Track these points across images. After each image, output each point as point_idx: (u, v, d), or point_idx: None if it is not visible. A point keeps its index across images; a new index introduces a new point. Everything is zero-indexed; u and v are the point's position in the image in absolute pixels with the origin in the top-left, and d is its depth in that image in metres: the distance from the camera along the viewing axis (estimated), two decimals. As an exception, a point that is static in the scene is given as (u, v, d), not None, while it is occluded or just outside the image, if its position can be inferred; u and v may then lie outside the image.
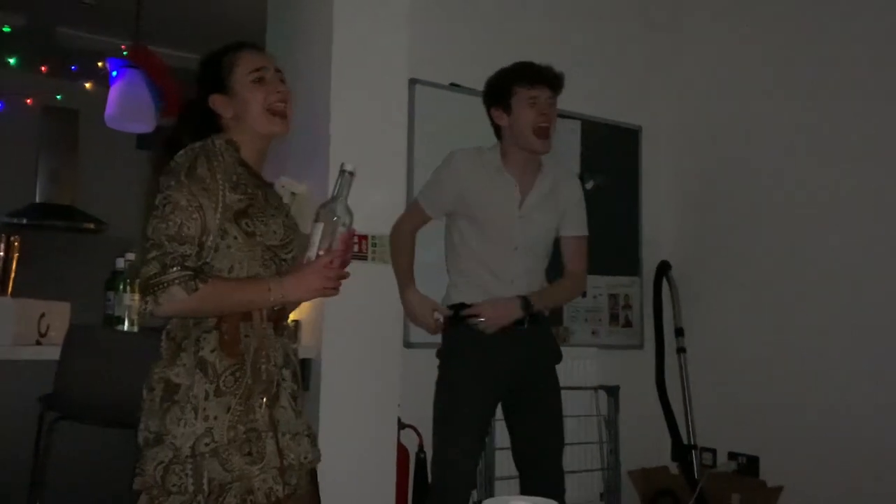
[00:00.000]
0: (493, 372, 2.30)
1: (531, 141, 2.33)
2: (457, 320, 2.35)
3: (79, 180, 5.77)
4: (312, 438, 1.65)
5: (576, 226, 2.48)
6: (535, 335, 2.39)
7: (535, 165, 2.43)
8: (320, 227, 1.55)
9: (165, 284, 1.43)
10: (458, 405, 2.30)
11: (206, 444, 1.45)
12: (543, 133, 2.32)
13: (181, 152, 1.53)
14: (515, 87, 2.34)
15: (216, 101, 1.62)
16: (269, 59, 1.68)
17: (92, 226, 5.67)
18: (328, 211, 1.55)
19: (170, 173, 1.52)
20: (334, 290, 1.57)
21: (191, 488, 1.45)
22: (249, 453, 1.48)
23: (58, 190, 5.70)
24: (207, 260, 1.50)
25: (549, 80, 2.37)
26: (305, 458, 1.59)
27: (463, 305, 2.35)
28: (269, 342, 1.56)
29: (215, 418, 1.46)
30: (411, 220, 2.51)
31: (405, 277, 2.44)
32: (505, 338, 2.31)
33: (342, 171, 1.57)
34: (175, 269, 1.44)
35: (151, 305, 1.44)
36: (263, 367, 1.53)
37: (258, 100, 1.60)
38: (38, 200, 5.63)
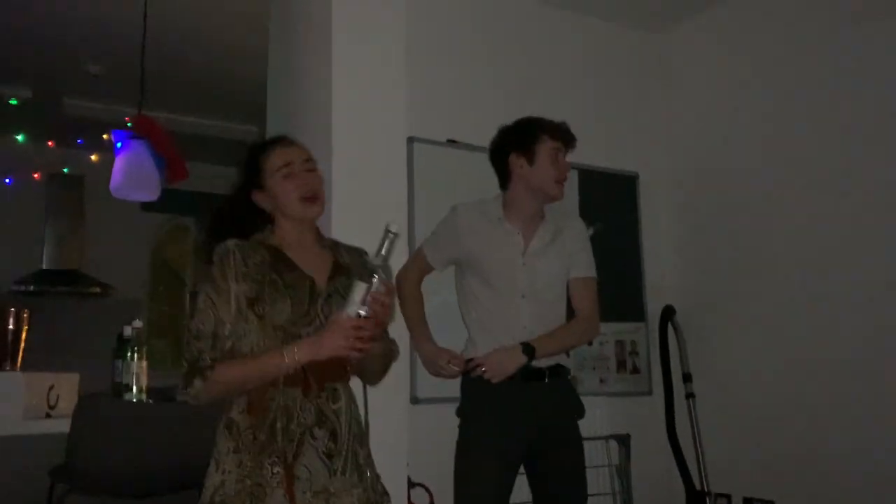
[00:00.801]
0: (513, 430, 2.29)
1: (551, 188, 2.42)
2: (469, 375, 2.36)
3: (84, 245, 5.85)
4: (360, 500, 1.69)
5: (581, 267, 2.51)
6: (557, 389, 2.39)
7: (539, 214, 2.48)
8: (361, 286, 1.63)
9: (189, 377, 1.65)
10: (479, 466, 2.29)
11: (220, 496, 1.60)
12: (562, 183, 2.44)
13: (215, 252, 1.73)
14: (543, 135, 2.43)
15: (258, 197, 1.83)
16: (297, 152, 1.85)
17: (98, 290, 5.72)
18: (369, 270, 1.64)
19: (209, 273, 1.74)
20: (360, 350, 1.66)
21: None
22: None
23: (64, 255, 5.78)
24: (228, 346, 1.68)
25: (569, 137, 2.49)
26: None
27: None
28: (297, 403, 1.67)
29: (229, 472, 1.61)
30: (416, 269, 2.55)
31: (419, 328, 2.46)
32: (525, 393, 2.30)
33: (387, 232, 1.65)
34: (197, 363, 1.65)
35: (191, 397, 1.65)
36: (282, 426, 1.63)
37: (289, 192, 1.78)
38: (44, 267, 5.70)
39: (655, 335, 3.55)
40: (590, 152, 3.59)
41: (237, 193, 1.86)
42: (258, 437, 1.62)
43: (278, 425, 1.63)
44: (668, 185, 3.83)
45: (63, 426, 2.16)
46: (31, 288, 5.49)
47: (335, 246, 1.89)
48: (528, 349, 2.31)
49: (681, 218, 3.79)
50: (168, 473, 2.17)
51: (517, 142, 2.46)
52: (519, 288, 2.39)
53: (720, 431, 3.34)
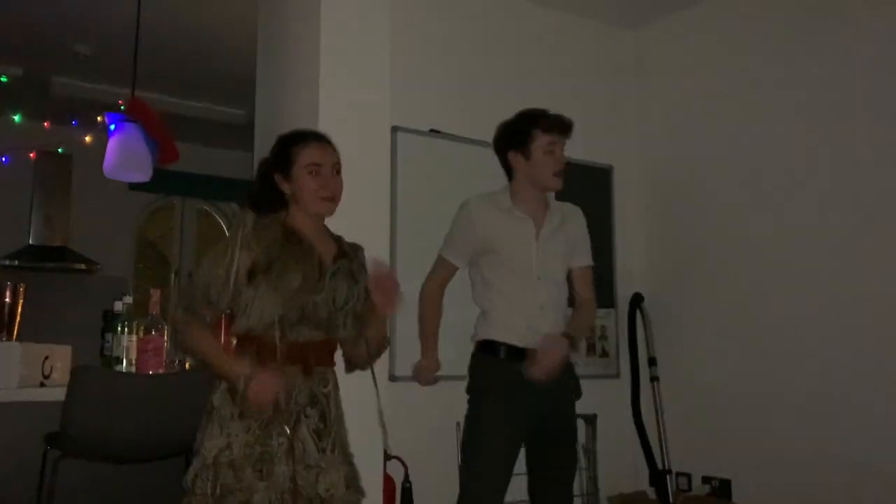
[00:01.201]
0: (522, 408, 2.40)
1: (549, 182, 2.53)
2: (487, 356, 2.49)
3: (71, 222, 5.90)
4: (347, 477, 1.84)
5: (585, 257, 2.66)
6: (562, 370, 2.50)
7: (544, 203, 2.60)
8: None
9: (176, 310, 1.89)
10: (490, 442, 2.39)
11: (226, 455, 1.72)
12: (560, 174, 2.54)
13: (233, 221, 1.88)
14: (535, 131, 2.51)
15: (277, 180, 1.97)
16: (329, 155, 1.98)
17: (83, 266, 5.78)
18: None
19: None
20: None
21: (209, 492, 1.70)
22: (260, 470, 1.72)
23: (51, 232, 5.83)
24: (218, 302, 1.86)
25: (563, 127, 2.56)
26: (327, 491, 1.79)
27: (491, 343, 2.49)
28: (294, 382, 1.82)
29: (236, 436, 1.74)
30: (440, 276, 2.64)
31: (429, 343, 2.63)
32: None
33: None
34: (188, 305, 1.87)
35: (171, 318, 1.93)
36: (284, 402, 1.79)
37: (311, 188, 1.93)
38: (31, 242, 5.76)
39: (624, 321, 3.71)
40: (566, 145, 3.74)
41: (260, 169, 2.02)
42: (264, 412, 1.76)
43: (282, 400, 1.77)
44: (641, 178, 3.97)
45: (57, 395, 2.26)
46: (17, 263, 5.54)
47: (338, 239, 2.05)
48: (572, 340, 2.46)
49: (651, 210, 3.94)
50: (157, 441, 2.27)
51: (513, 139, 2.56)
52: (535, 270, 2.50)
53: (682, 413, 3.51)
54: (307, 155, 1.94)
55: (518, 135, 2.55)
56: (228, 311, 1.90)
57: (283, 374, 1.79)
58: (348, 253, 2.01)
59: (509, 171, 2.61)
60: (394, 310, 1.98)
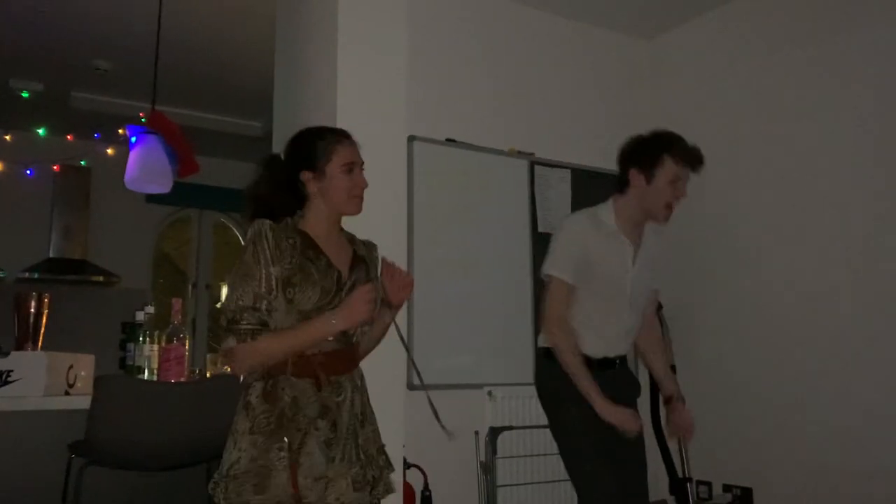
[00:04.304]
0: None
1: (659, 211, 2.41)
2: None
3: (90, 235, 5.97)
4: (354, 480, 1.82)
5: (659, 281, 2.61)
6: (624, 373, 2.53)
7: (643, 225, 2.50)
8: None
9: (226, 335, 1.77)
10: (596, 445, 2.36)
11: (235, 469, 1.73)
12: (672, 208, 2.42)
13: (250, 229, 1.82)
14: (666, 157, 2.38)
15: (306, 177, 1.89)
16: (359, 155, 1.95)
17: (102, 279, 5.85)
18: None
19: (243, 249, 1.83)
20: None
21: (222, 502, 1.72)
22: (256, 485, 1.71)
23: (70, 245, 5.90)
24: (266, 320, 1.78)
25: (696, 162, 2.41)
26: (337, 500, 1.78)
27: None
28: (304, 396, 1.79)
29: (244, 450, 1.74)
30: (563, 303, 2.43)
31: (593, 384, 2.37)
32: (601, 379, 2.39)
33: None
34: (233, 324, 1.76)
35: (222, 352, 1.80)
36: (290, 416, 1.76)
37: (345, 187, 1.89)
38: (51, 255, 5.83)
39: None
40: (582, 152, 3.76)
41: (285, 167, 1.92)
42: (270, 423, 1.75)
43: (288, 414, 1.75)
44: (658, 186, 3.96)
45: (81, 403, 2.29)
46: (38, 276, 5.61)
47: (353, 239, 2.02)
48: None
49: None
50: (180, 449, 2.29)
51: (640, 158, 2.42)
52: (626, 296, 2.43)
53: (702, 421, 3.47)
54: (344, 153, 1.90)
55: (647, 154, 2.41)
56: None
57: (292, 387, 1.77)
58: (363, 257, 1.98)
59: (624, 185, 2.47)
60: (406, 295, 1.97)
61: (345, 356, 1.89)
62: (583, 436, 2.38)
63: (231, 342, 1.73)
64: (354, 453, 1.85)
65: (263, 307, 1.76)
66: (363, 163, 1.96)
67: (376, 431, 1.95)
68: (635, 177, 2.41)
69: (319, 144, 1.90)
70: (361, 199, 1.92)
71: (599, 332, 2.43)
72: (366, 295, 1.79)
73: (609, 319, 2.43)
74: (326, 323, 1.77)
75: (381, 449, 1.94)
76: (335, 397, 1.85)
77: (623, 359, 2.54)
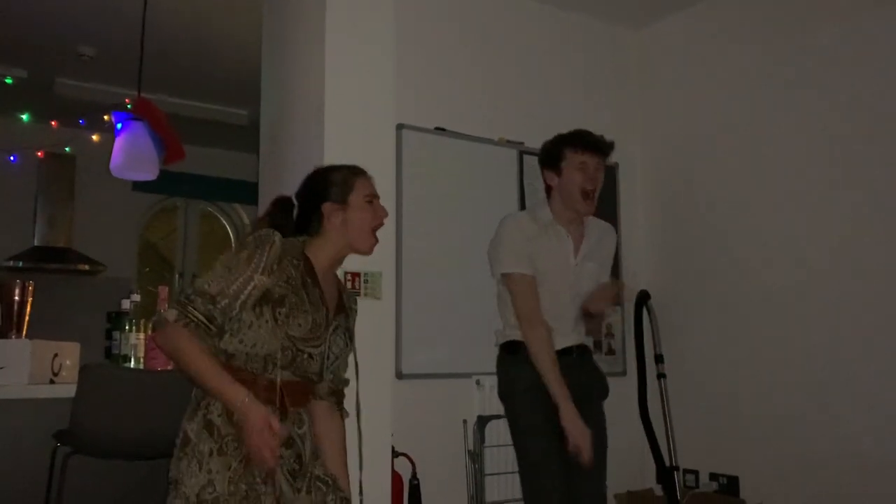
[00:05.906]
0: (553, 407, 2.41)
1: (576, 201, 2.52)
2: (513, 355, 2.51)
3: (76, 223, 5.92)
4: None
5: (607, 275, 2.71)
6: (587, 367, 2.56)
7: (579, 220, 2.62)
8: None
9: (169, 309, 1.70)
10: (546, 447, 2.41)
11: (210, 493, 1.65)
12: (589, 195, 2.51)
13: (259, 231, 1.80)
14: (566, 151, 2.54)
15: (328, 209, 1.91)
16: (375, 187, 1.99)
17: (87, 267, 5.80)
18: None
19: (240, 246, 1.80)
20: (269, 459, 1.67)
21: None
22: None
23: (55, 233, 5.84)
24: (219, 321, 1.70)
25: (597, 146, 2.54)
26: None
27: (516, 343, 2.50)
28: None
29: (217, 472, 1.67)
30: (532, 296, 2.49)
31: (563, 387, 2.40)
32: (561, 366, 2.43)
33: None
34: (182, 303, 1.69)
35: (155, 319, 1.74)
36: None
37: (368, 219, 1.93)
38: (36, 244, 5.77)
39: (631, 319, 3.71)
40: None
41: (303, 204, 1.96)
42: (241, 449, 1.68)
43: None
44: (646, 176, 3.98)
45: (66, 392, 2.27)
46: (22, 264, 5.55)
47: (342, 285, 2.03)
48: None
49: (657, 207, 3.94)
50: (166, 437, 2.26)
51: (547, 159, 2.61)
52: (571, 288, 2.54)
53: (689, 410, 3.52)
54: (364, 184, 1.96)
55: (550, 153, 2.60)
56: (216, 330, 1.71)
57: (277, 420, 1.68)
58: (346, 307, 1.97)
59: (548, 190, 2.63)
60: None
61: (305, 389, 1.87)
62: (538, 443, 2.43)
63: (171, 315, 1.66)
64: (315, 488, 1.84)
65: (221, 305, 1.69)
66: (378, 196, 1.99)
67: (324, 464, 1.91)
68: (551, 178, 2.58)
69: (340, 177, 1.94)
70: (376, 238, 1.95)
71: (551, 323, 2.49)
72: (269, 442, 1.63)
73: (556, 310, 2.50)
74: (239, 398, 1.64)
75: (334, 478, 1.91)
76: (297, 429, 1.83)
77: (582, 349, 2.58)
